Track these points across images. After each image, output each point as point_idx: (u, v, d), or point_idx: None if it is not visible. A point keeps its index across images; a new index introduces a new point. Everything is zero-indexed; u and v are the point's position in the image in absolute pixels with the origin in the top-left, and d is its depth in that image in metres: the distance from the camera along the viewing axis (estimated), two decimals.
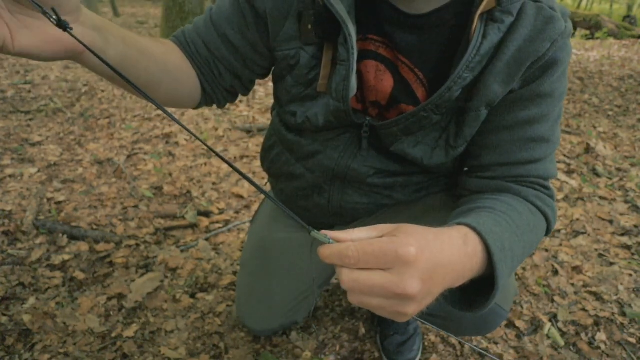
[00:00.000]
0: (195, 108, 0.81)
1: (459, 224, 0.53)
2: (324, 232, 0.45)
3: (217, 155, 0.44)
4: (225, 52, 0.75)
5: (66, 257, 1.53)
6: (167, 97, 0.72)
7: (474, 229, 0.52)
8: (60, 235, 1.64)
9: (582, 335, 1.27)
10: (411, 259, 0.41)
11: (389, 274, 0.42)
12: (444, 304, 0.87)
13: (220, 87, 0.79)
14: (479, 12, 0.58)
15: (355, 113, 0.74)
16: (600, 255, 1.65)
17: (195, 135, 0.43)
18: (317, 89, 0.72)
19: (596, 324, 1.32)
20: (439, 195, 0.88)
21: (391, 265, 0.42)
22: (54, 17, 0.41)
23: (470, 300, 0.57)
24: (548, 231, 0.71)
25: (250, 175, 2.23)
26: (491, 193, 0.70)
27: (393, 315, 0.45)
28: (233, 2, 0.73)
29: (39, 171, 2.19)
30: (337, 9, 0.62)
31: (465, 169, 0.79)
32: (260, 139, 2.68)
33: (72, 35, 0.43)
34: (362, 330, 1.27)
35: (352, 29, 0.63)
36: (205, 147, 2.56)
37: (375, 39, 0.69)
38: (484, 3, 0.58)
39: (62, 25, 0.41)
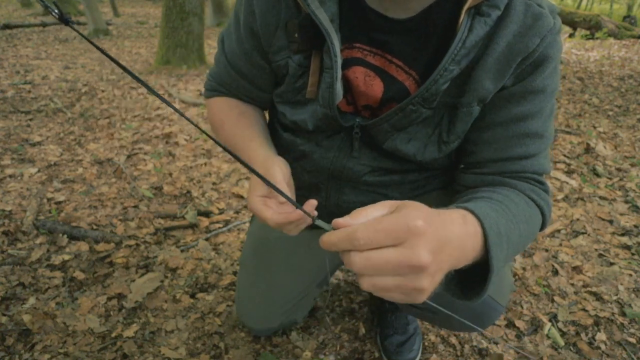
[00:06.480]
0: None
1: (456, 207, 0.54)
2: (337, 220, 0.44)
3: (220, 146, 0.44)
4: (248, 86, 0.83)
5: (66, 257, 1.53)
6: None
7: (472, 212, 0.53)
8: (60, 235, 1.64)
9: (582, 335, 1.27)
10: (421, 230, 0.41)
11: (401, 248, 0.41)
12: (439, 297, 0.87)
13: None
14: (466, 7, 0.59)
15: (346, 115, 0.75)
16: (600, 255, 1.65)
17: (198, 127, 0.43)
18: (306, 96, 0.73)
19: (596, 324, 1.32)
20: (435, 193, 0.88)
21: (402, 240, 0.41)
22: (56, 11, 0.41)
23: (468, 289, 0.57)
24: (543, 225, 0.71)
25: (250, 175, 2.23)
26: (487, 187, 0.71)
27: (409, 293, 0.44)
28: (236, 35, 0.78)
29: (39, 171, 2.19)
30: (319, 18, 0.63)
31: (462, 166, 0.79)
32: None
33: (74, 29, 0.42)
34: (362, 330, 1.27)
35: (334, 38, 0.64)
36: (206, 146, 2.56)
37: (362, 47, 0.69)
38: None
39: (64, 19, 0.41)
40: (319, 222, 0.44)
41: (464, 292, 0.56)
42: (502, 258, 0.54)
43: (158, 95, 0.39)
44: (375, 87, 0.71)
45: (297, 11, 0.68)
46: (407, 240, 0.41)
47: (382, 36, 0.67)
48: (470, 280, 0.55)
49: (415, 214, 0.42)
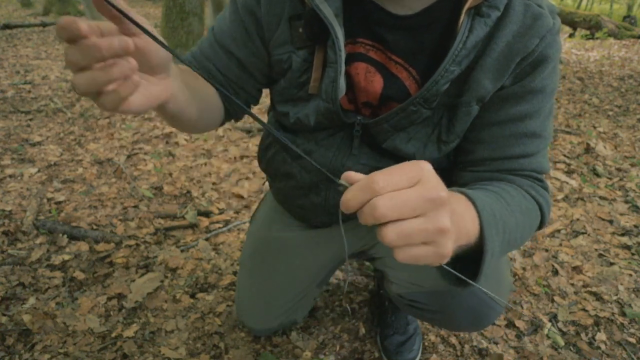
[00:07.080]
0: (219, 126, 0.83)
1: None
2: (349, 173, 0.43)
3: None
4: (235, 69, 0.78)
5: (66, 257, 1.53)
6: (206, 124, 0.74)
7: (464, 194, 0.53)
8: (60, 235, 1.64)
9: (582, 335, 1.27)
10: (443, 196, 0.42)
11: (424, 205, 0.40)
12: (439, 296, 0.87)
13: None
14: (466, 7, 0.59)
15: (347, 113, 0.75)
16: (600, 255, 1.65)
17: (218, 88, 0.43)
18: (309, 91, 0.73)
19: (596, 324, 1.32)
20: None
21: (416, 180, 0.41)
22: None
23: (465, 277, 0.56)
24: (542, 222, 0.71)
25: (250, 175, 2.23)
26: (483, 182, 0.71)
27: (436, 257, 0.43)
28: (233, 17, 0.76)
29: (39, 171, 2.19)
30: (324, 12, 0.63)
31: (460, 165, 0.80)
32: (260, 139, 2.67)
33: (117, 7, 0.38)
34: (362, 330, 1.27)
35: (339, 32, 0.64)
36: (206, 146, 2.56)
37: (365, 42, 0.70)
38: None
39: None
40: (342, 182, 0.43)
41: (460, 280, 0.56)
42: (497, 242, 0.54)
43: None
44: (375, 83, 0.71)
45: (301, 5, 0.68)
46: (422, 179, 0.41)
47: (383, 32, 0.67)
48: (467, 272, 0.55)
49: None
